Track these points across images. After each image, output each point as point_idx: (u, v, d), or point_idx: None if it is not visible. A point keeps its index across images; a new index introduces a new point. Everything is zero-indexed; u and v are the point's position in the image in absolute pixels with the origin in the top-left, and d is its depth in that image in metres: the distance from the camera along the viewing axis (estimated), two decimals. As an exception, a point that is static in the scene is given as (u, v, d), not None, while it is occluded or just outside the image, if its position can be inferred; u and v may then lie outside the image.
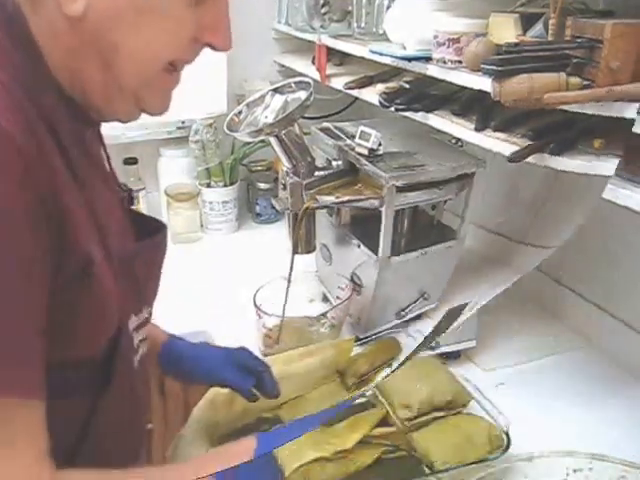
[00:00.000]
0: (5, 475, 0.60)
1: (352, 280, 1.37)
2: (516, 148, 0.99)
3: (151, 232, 0.82)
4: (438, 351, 1.29)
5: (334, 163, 1.34)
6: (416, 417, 1.07)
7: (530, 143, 0.99)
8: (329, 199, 1.26)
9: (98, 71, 0.68)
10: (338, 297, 1.41)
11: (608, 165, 0.86)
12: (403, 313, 1.36)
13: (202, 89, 1.89)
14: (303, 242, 1.35)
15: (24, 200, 0.58)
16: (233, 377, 1.02)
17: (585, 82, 0.86)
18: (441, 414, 1.08)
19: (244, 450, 0.81)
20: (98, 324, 0.70)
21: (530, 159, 0.97)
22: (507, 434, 1.04)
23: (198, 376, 1.05)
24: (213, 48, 0.73)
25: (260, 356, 1.31)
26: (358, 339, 1.36)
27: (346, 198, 1.25)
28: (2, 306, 0.57)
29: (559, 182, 1.41)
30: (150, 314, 0.83)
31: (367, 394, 1.19)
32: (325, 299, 1.51)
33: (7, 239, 0.57)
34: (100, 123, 0.78)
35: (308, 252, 1.38)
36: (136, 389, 0.80)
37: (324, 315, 1.28)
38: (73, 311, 0.65)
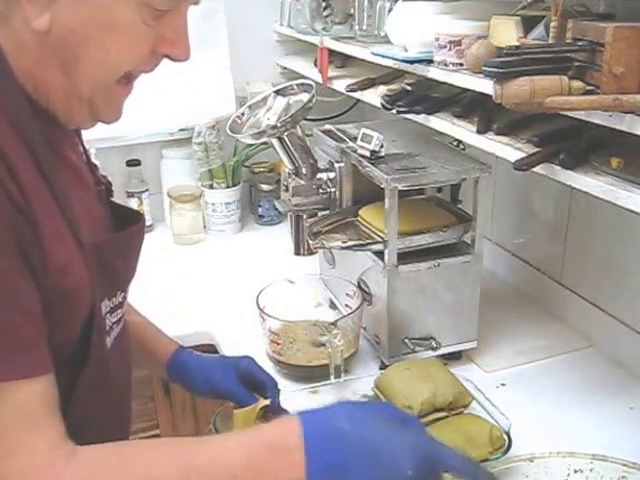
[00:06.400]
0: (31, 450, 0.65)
1: (359, 287, 1.35)
2: (521, 154, 0.97)
3: (130, 222, 0.87)
4: (439, 352, 1.29)
5: (336, 165, 1.35)
6: (418, 418, 1.07)
7: (537, 150, 0.97)
8: (336, 244, 1.29)
9: (60, 79, 0.73)
10: (347, 305, 1.38)
11: (636, 198, 0.81)
12: (434, 344, 1.29)
13: (208, 93, 1.91)
14: (305, 244, 1.36)
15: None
16: (235, 390, 1.03)
17: (589, 87, 0.85)
18: (442, 415, 1.09)
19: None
20: (71, 313, 0.75)
21: (539, 169, 0.94)
22: (508, 434, 1.04)
23: (201, 387, 1.07)
24: (171, 59, 0.77)
25: (268, 361, 1.32)
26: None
27: (352, 243, 1.28)
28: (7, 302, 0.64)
29: (575, 198, 1.41)
30: (125, 298, 0.87)
31: (369, 395, 1.20)
32: (333, 305, 1.48)
33: None
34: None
35: (310, 254, 1.39)
36: (110, 368, 0.84)
37: (334, 324, 1.24)
38: (48, 306, 0.70)
